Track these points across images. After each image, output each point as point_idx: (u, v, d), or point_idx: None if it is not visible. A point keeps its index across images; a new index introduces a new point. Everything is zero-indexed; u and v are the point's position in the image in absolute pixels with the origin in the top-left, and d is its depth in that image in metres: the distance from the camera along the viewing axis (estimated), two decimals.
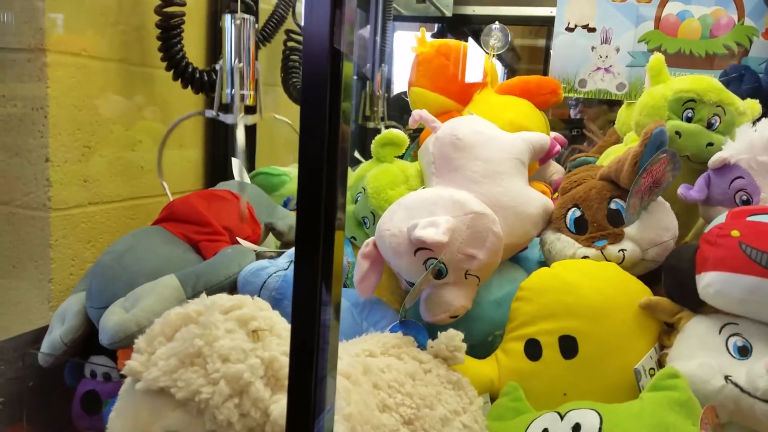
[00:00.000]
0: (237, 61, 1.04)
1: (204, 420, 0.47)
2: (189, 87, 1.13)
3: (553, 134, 1.41)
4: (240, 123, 1.05)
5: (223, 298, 0.52)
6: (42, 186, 1.00)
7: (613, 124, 1.35)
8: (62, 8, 0.98)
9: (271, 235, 1.09)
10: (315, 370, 0.42)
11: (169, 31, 1.07)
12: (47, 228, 1.01)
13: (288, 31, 1.48)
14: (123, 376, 0.89)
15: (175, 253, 0.91)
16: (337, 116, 0.40)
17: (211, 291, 0.82)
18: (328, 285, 0.42)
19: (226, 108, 1.07)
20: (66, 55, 1.00)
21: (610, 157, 1.23)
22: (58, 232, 1.02)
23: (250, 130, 1.44)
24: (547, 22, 2.02)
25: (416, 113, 0.93)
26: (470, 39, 2.02)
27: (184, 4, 1.08)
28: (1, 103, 0.99)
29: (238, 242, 0.95)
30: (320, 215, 0.41)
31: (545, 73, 3.00)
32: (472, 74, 1.16)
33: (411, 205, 0.81)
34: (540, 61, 3.08)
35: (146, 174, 1.19)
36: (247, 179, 1.16)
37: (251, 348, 0.49)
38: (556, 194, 1.28)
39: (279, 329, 0.52)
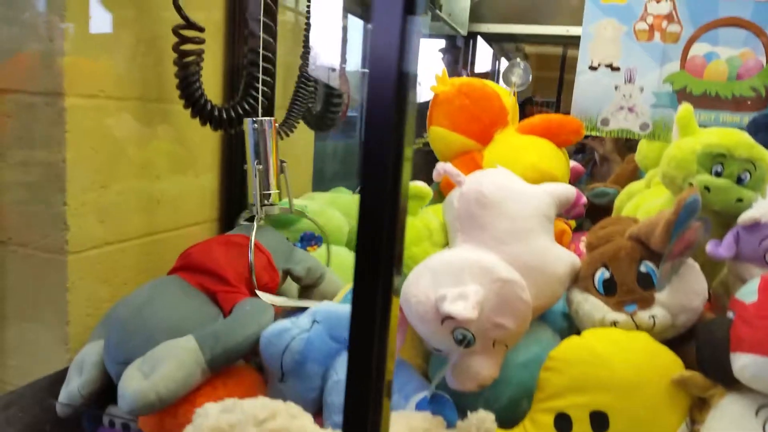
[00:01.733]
0: (257, 162, 1.07)
1: None
2: (207, 124, 1.12)
3: (572, 164, 1.40)
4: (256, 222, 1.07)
5: (256, 407, 0.50)
6: (59, 230, 0.99)
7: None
8: (80, 50, 0.96)
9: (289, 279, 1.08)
10: None
11: (187, 68, 1.06)
12: (64, 271, 1.00)
13: (304, 55, 1.46)
14: (140, 430, 0.89)
15: (193, 306, 0.90)
16: (401, 155, 0.39)
17: (230, 352, 0.82)
18: (382, 361, 0.40)
19: None
20: (84, 97, 0.98)
21: (631, 197, 1.22)
22: (75, 275, 1.01)
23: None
24: (563, 40, 2.01)
25: (440, 167, 0.92)
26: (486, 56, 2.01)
27: (202, 42, 1.06)
28: (19, 146, 0.98)
29: (256, 294, 0.94)
30: (379, 276, 0.39)
31: (561, 81, 2.99)
32: (494, 114, 1.15)
33: (437, 269, 0.79)
34: (552, 68, 3.07)
35: (162, 207, 1.18)
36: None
37: None
38: (574, 222, 1.27)
39: None
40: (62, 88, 0.94)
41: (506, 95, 1.18)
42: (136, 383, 0.76)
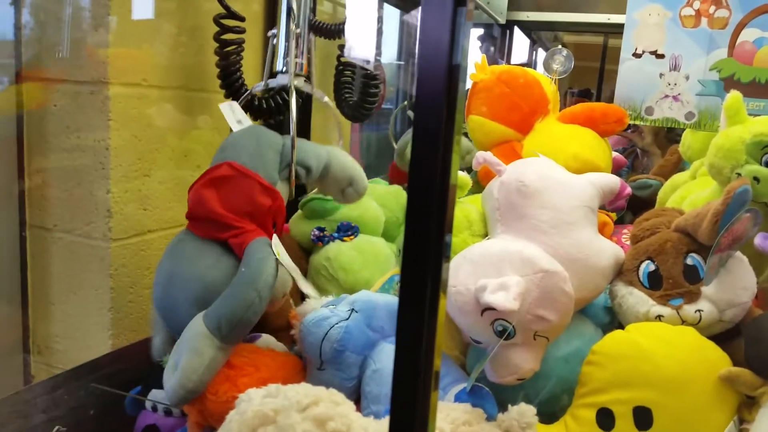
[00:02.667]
0: (295, 26, 1.00)
1: None
2: (248, 113, 1.12)
3: (614, 155, 1.37)
4: (293, 86, 1.00)
5: (300, 393, 0.51)
6: (103, 217, 1.00)
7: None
8: (123, 40, 0.98)
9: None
10: None
11: (228, 58, 1.06)
12: (107, 258, 1.02)
13: (342, 47, 1.46)
14: (183, 413, 0.90)
15: (209, 263, 0.88)
16: (450, 147, 0.38)
17: (239, 326, 0.80)
18: (430, 353, 0.40)
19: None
20: (127, 86, 1.00)
21: (675, 188, 1.18)
22: (118, 261, 1.03)
23: None
24: (604, 29, 1.96)
25: (480, 156, 0.90)
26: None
27: (242, 31, 1.07)
28: (65, 134, 1.00)
29: (263, 231, 0.90)
30: (427, 269, 0.39)
31: (602, 71, 2.93)
32: (534, 103, 1.13)
33: (477, 260, 0.78)
34: (593, 59, 3.01)
35: None
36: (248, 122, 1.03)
37: None
38: (615, 215, 1.24)
39: (356, 427, 0.51)
40: (106, 77, 0.96)
41: (547, 83, 1.16)
42: (168, 378, 0.78)
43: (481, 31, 2.05)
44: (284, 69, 1.04)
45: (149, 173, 1.06)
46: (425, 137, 0.38)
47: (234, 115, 0.99)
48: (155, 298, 0.90)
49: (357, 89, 1.46)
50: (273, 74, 1.08)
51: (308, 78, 1.08)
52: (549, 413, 0.80)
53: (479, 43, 2.04)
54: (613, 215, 1.23)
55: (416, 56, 0.38)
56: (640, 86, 1.19)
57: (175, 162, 1.11)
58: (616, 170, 1.41)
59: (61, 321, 1.07)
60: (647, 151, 1.91)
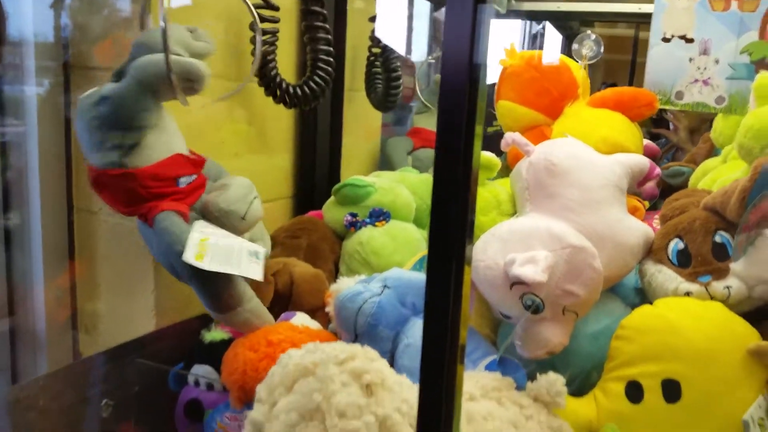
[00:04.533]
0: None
1: None
2: (282, 103, 1.16)
3: (646, 142, 1.37)
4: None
5: (337, 349, 0.54)
6: None
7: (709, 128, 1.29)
8: None
9: None
10: (444, 412, 0.43)
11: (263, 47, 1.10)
12: None
13: (372, 37, 1.49)
14: (225, 388, 0.94)
15: None
16: (472, 135, 0.41)
17: None
18: (456, 328, 0.43)
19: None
20: None
21: (706, 173, 1.18)
22: None
23: (335, 136, 1.47)
24: (635, 19, 1.95)
25: (508, 136, 0.92)
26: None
27: (277, 21, 1.10)
28: None
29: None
30: (453, 245, 0.41)
31: (633, 64, 2.89)
32: (564, 87, 1.14)
33: (506, 236, 0.80)
34: (624, 51, 2.98)
35: None
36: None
37: (365, 404, 0.51)
38: (648, 203, 1.24)
39: (390, 383, 0.53)
40: None
41: (576, 68, 1.17)
42: None
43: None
44: None
45: None
46: (449, 128, 0.41)
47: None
48: None
49: (383, 81, 1.49)
50: None
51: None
52: (579, 390, 0.81)
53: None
54: (646, 203, 1.24)
55: (442, 50, 0.41)
56: (669, 71, 1.19)
57: (213, 149, 1.15)
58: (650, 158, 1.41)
59: (107, 301, 1.11)
60: (682, 148, 1.89)
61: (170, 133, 0.92)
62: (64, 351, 1.12)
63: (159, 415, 1.02)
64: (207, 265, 0.80)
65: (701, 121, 1.79)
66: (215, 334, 0.99)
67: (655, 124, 2.11)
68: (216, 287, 0.86)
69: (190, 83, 0.89)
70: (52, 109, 1.05)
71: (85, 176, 1.08)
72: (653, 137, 2.04)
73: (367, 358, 0.54)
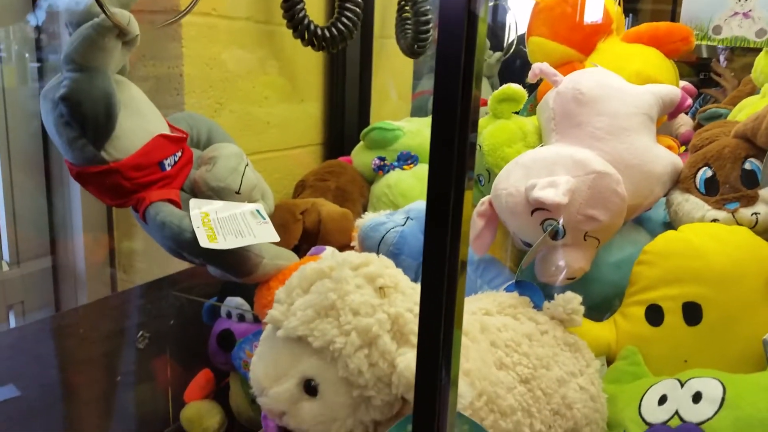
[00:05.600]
0: None
1: (337, 367, 0.51)
2: (309, 45, 1.16)
3: (682, 83, 1.33)
4: None
5: (352, 255, 0.55)
6: None
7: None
8: None
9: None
10: (444, 324, 0.44)
11: None
12: None
13: None
14: (257, 319, 0.97)
15: None
16: (470, 83, 0.41)
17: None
18: (456, 243, 0.44)
19: None
20: (198, 15, 1.05)
21: (744, 111, 1.15)
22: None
23: (364, 84, 1.47)
24: None
25: (536, 66, 0.91)
26: None
27: None
28: (142, 63, 1.07)
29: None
30: (451, 178, 0.42)
31: (674, 11, 2.79)
32: (597, 21, 1.11)
33: (529, 164, 0.80)
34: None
35: (271, 129, 1.25)
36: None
37: (379, 303, 0.52)
38: (684, 148, 1.22)
39: (403, 287, 0.55)
40: (178, 5, 1.02)
41: (610, 2, 1.13)
42: None
43: None
44: None
45: (221, 102, 1.12)
46: (447, 72, 0.41)
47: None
48: None
49: (413, 26, 1.47)
50: None
51: None
52: (599, 317, 0.81)
53: None
54: (682, 148, 1.21)
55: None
56: (707, 4, 1.15)
57: (244, 94, 1.17)
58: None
59: (142, 240, 1.15)
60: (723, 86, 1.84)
61: (144, 114, 0.85)
62: (103, 287, 1.17)
63: (193, 348, 1.06)
64: (223, 244, 0.77)
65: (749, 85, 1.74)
66: None
67: (703, 84, 2.05)
68: (231, 258, 0.82)
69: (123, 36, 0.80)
70: None
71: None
72: (700, 96, 1.99)
73: (382, 265, 0.56)
